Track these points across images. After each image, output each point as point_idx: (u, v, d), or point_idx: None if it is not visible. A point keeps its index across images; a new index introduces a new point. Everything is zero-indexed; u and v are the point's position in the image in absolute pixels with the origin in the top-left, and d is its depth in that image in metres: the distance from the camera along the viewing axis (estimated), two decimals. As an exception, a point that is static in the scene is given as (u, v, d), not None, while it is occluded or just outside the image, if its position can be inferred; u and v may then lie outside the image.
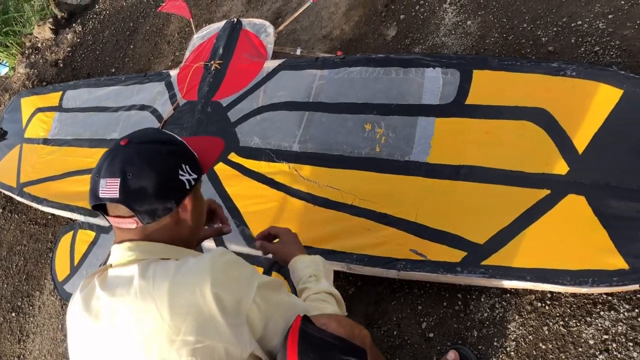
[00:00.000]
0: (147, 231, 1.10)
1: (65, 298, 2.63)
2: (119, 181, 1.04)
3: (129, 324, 1.00)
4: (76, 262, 2.62)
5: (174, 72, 2.83)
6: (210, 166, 1.28)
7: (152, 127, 1.20)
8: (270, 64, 2.45)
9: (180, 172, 1.11)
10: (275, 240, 1.53)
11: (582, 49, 1.94)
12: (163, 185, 1.07)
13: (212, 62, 2.62)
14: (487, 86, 1.86)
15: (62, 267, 2.70)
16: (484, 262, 1.61)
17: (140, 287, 1.01)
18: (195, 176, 1.15)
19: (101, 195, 1.05)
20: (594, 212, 1.53)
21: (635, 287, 1.43)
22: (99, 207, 1.11)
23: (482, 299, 1.69)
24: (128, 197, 1.05)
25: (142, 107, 2.83)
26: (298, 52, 2.53)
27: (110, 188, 1.04)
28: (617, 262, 1.45)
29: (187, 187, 1.12)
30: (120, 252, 1.10)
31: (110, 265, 1.11)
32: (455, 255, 1.66)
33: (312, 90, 2.24)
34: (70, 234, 2.74)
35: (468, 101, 1.86)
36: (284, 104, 2.28)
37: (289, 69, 2.38)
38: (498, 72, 1.85)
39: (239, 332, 1.01)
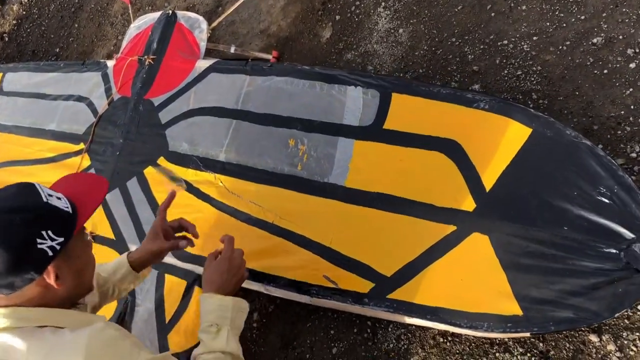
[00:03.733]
0: (13, 299, 1.03)
1: None
2: None
3: None
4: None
5: (110, 63, 2.74)
6: (92, 212, 1.15)
7: (15, 186, 1.10)
8: (202, 64, 2.37)
9: (39, 241, 1.01)
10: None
11: (505, 71, 1.89)
12: (16, 260, 0.99)
13: (146, 56, 2.54)
14: (404, 111, 1.82)
15: None
16: (390, 296, 1.62)
17: None
18: (61, 239, 1.05)
19: None
20: (496, 254, 1.53)
21: (526, 334, 1.45)
22: None
23: (390, 329, 1.72)
24: None
25: (79, 99, 2.75)
26: (232, 50, 2.46)
27: None
28: (513, 307, 1.47)
29: (50, 254, 1.03)
30: None
31: None
32: (364, 285, 1.67)
33: (240, 96, 2.18)
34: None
35: (386, 125, 1.83)
36: (213, 109, 2.23)
37: (219, 71, 2.31)
38: (415, 98, 1.81)
39: None
